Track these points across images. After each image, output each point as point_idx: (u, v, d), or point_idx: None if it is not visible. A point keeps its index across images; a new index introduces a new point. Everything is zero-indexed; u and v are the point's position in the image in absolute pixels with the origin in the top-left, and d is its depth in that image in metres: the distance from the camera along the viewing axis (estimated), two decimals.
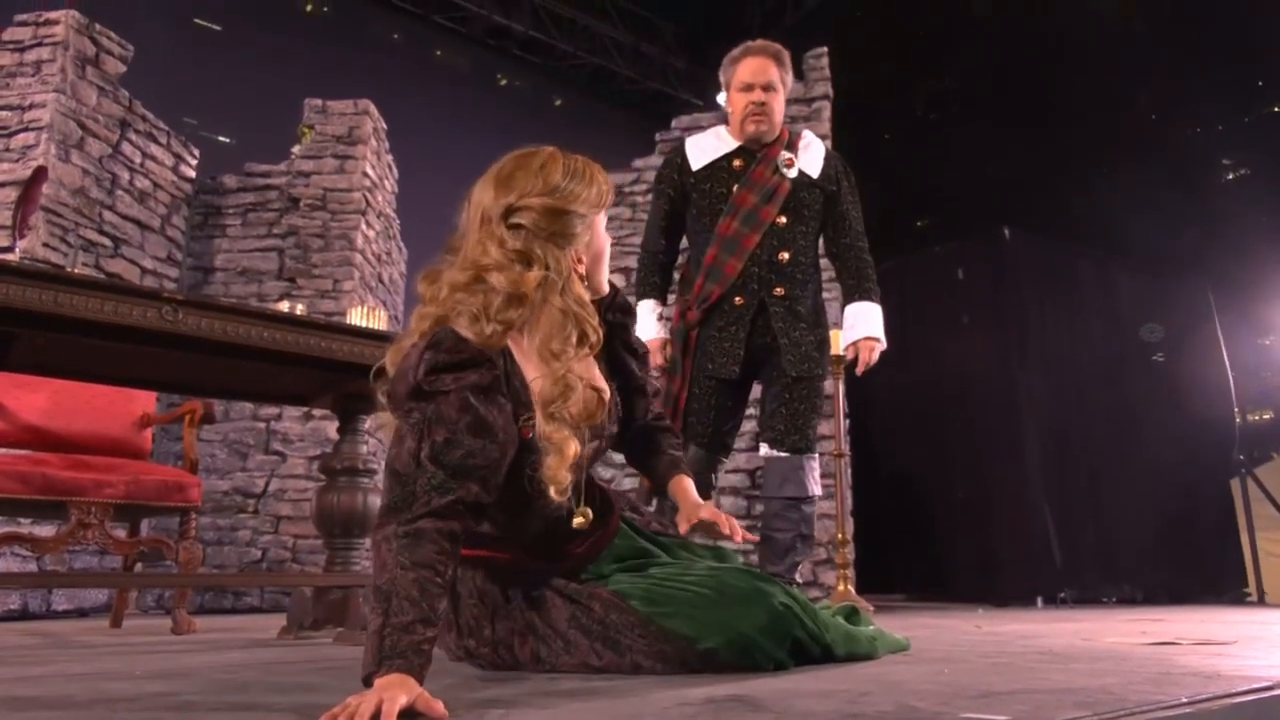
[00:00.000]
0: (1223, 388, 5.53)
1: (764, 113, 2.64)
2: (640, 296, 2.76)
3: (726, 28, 9.45)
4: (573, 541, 1.43)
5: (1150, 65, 8.07)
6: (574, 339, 1.32)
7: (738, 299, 2.58)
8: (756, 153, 2.68)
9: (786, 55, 2.75)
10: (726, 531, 1.51)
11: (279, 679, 1.37)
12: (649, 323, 2.71)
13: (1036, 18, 8.39)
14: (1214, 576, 5.25)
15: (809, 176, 2.68)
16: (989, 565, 4.82)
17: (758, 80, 2.65)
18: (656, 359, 2.66)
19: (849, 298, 2.76)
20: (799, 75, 4.88)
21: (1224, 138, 8.53)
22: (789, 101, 4.80)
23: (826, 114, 4.78)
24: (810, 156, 2.71)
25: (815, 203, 2.69)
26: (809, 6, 8.70)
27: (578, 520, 1.38)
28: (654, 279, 2.77)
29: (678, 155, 2.77)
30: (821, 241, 2.81)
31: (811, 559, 4.27)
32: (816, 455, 2.63)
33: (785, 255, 2.59)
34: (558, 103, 9.77)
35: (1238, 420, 5.54)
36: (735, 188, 2.63)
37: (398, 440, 1.19)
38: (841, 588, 3.55)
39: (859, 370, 2.73)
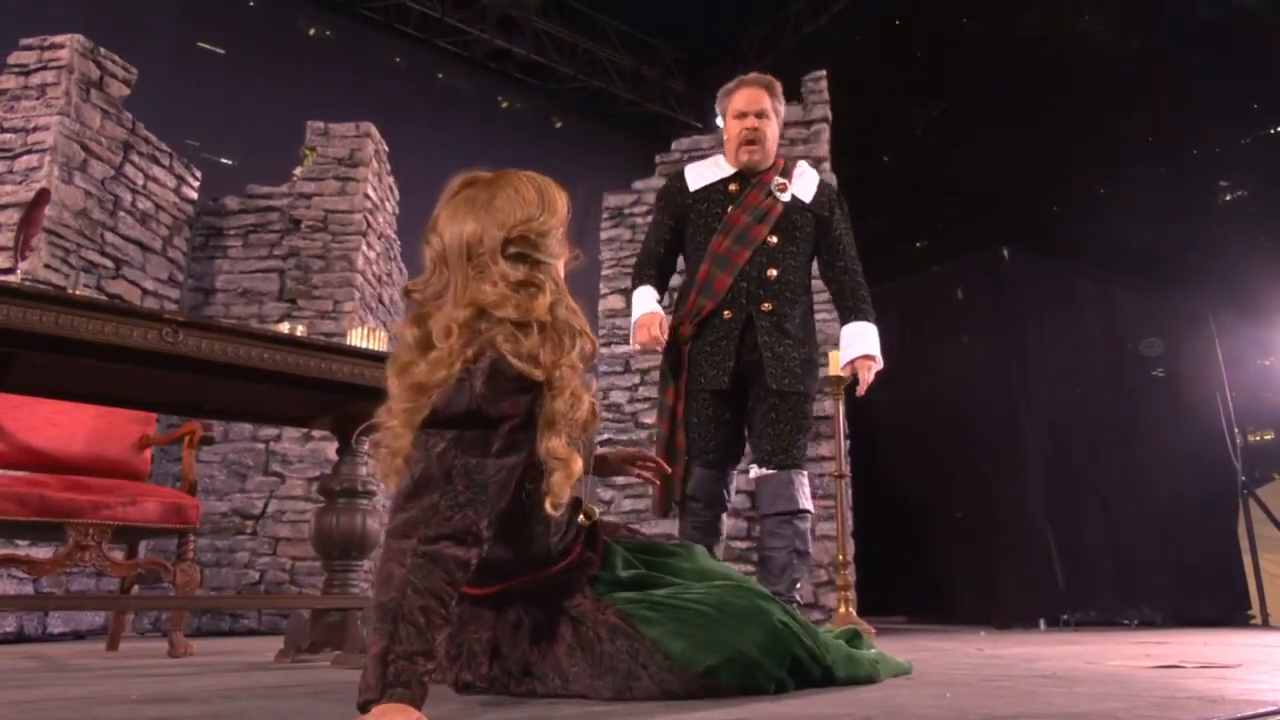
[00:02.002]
0: (1224, 406, 5.52)
1: (757, 139, 2.74)
2: (636, 285, 2.82)
3: (726, 51, 9.53)
4: (578, 545, 1.43)
5: (1148, 87, 8.13)
6: (577, 352, 1.33)
7: (726, 313, 2.64)
8: (751, 178, 2.77)
9: (778, 86, 2.85)
10: (655, 463, 1.77)
11: (276, 703, 1.36)
12: (646, 301, 2.76)
13: (1034, 40, 8.46)
14: (1218, 598, 5.22)
15: (802, 201, 2.76)
16: (991, 587, 4.79)
17: (751, 108, 2.76)
18: (652, 331, 2.67)
19: (845, 319, 2.81)
20: (798, 98, 4.91)
21: (1221, 159, 8.58)
22: (788, 124, 4.86)
23: (825, 136, 4.81)
24: (804, 183, 2.80)
25: (807, 225, 2.76)
26: (807, 30, 8.77)
27: (581, 519, 1.40)
28: (650, 271, 2.83)
29: (678, 179, 2.88)
30: (817, 266, 2.87)
31: (813, 581, 4.24)
32: (805, 471, 2.65)
33: (773, 272, 2.66)
34: (558, 125, 9.81)
35: (1240, 441, 5.52)
36: (730, 208, 2.72)
37: (424, 453, 1.18)
38: (843, 610, 3.53)
39: (860, 390, 2.76)
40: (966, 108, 9.18)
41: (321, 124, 5.15)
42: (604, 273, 5.06)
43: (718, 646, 1.32)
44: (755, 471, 2.66)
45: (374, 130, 5.21)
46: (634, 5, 9.22)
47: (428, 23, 8.45)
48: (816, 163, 4.77)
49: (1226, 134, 8.40)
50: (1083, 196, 8.58)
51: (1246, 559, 5.34)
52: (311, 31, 8.21)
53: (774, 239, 2.68)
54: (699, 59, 9.88)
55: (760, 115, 2.75)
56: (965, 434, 5.05)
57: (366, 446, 2.53)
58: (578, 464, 1.28)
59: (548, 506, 1.28)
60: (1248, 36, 7.71)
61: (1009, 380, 4.86)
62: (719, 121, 2.96)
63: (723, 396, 2.63)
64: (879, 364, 2.75)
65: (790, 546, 2.54)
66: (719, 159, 2.87)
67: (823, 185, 2.84)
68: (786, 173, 2.79)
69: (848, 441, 4.26)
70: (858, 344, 2.74)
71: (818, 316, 2.94)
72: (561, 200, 1.42)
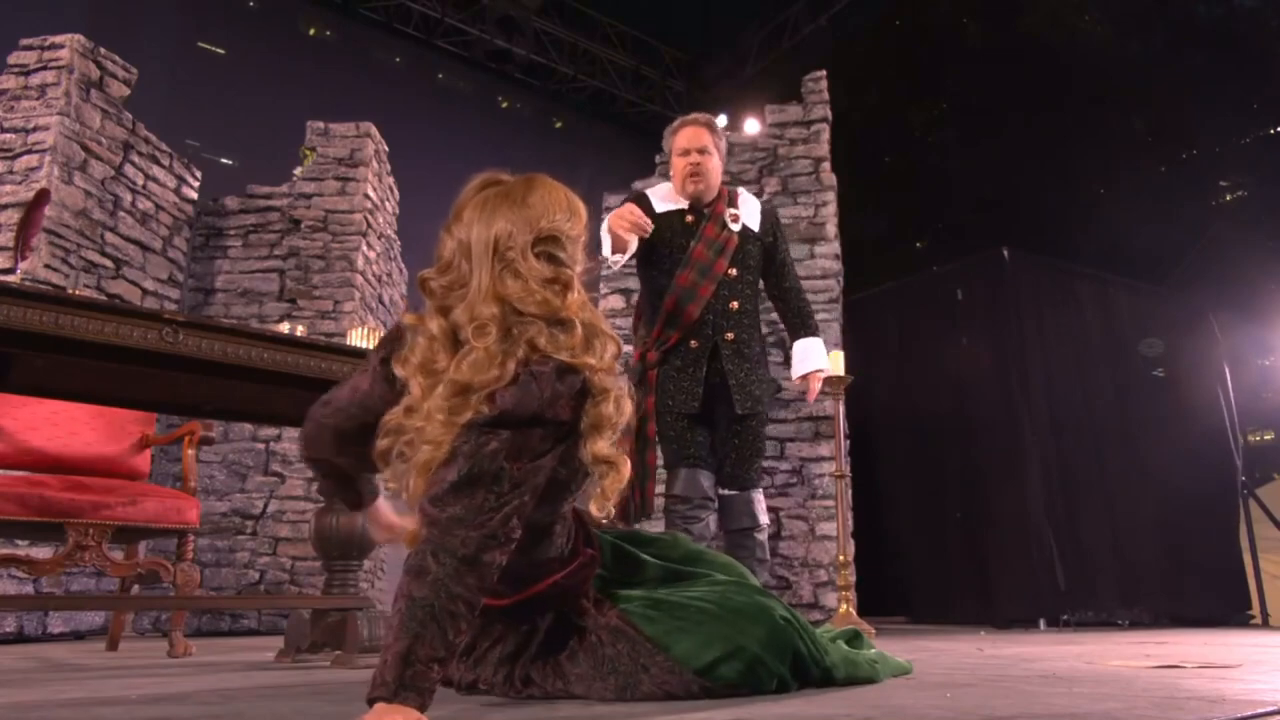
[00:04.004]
0: (1224, 407, 5.52)
1: (700, 173, 2.94)
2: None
3: (725, 52, 9.54)
4: (579, 543, 1.43)
5: (1148, 87, 8.13)
6: (609, 355, 1.32)
7: (694, 342, 2.85)
8: (704, 210, 2.97)
9: (718, 124, 3.11)
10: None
11: (276, 703, 1.36)
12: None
13: (1034, 40, 8.45)
14: (1218, 598, 5.22)
15: (751, 230, 2.99)
16: (991, 587, 4.79)
17: (693, 145, 2.97)
18: (628, 213, 2.74)
19: (795, 334, 3.09)
20: (797, 98, 4.91)
21: (1221, 159, 8.57)
22: (789, 124, 4.87)
23: (825, 136, 4.81)
24: (749, 211, 3.02)
25: (756, 253, 3.00)
26: (807, 30, 8.77)
27: (596, 510, 1.36)
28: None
29: (643, 199, 3.05)
30: (763, 286, 3.12)
31: (813, 581, 4.25)
32: (761, 489, 2.94)
33: (735, 304, 2.89)
34: (558, 125, 9.82)
35: (1240, 441, 5.52)
36: (690, 243, 2.91)
37: (475, 449, 1.17)
38: (843, 609, 3.53)
39: (810, 398, 3.10)
40: (966, 108, 9.19)
41: (321, 124, 5.15)
42: (604, 272, 5.06)
43: (720, 641, 1.32)
44: (719, 492, 2.90)
45: (374, 130, 5.20)
46: (634, 6, 9.23)
47: (428, 23, 8.45)
48: (816, 163, 4.77)
49: (1226, 134, 8.40)
50: (1083, 196, 8.58)
51: (1246, 559, 5.33)
52: (311, 31, 8.22)
53: (733, 271, 2.91)
54: (699, 59, 9.89)
55: (702, 151, 2.95)
56: (965, 434, 5.04)
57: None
58: (627, 466, 1.29)
59: (593, 508, 1.28)
60: (1248, 36, 7.71)
61: (1009, 380, 4.85)
62: (666, 153, 3.13)
63: (691, 416, 2.85)
64: (828, 372, 3.09)
65: (752, 555, 2.83)
66: (668, 188, 3.07)
67: (764, 212, 3.07)
68: (733, 202, 3.01)
69: (848, 441, 4.26)
70: (809, 359, 3.05)
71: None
72: (584, 211, 1.43)
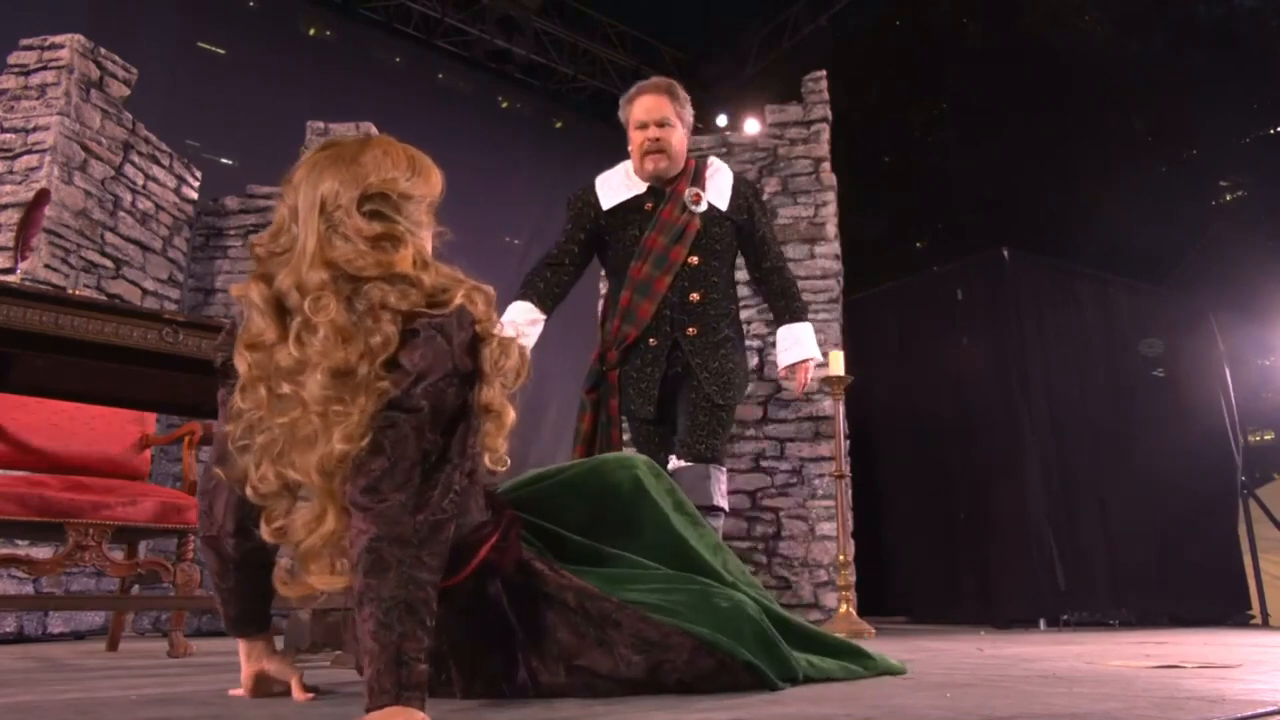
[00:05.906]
0: (1224, 407, 5.52)
1: (661, 148, 2.63)
2: (517, 296, 2.66)
3: (725, 52, 9.53)
4: (498, 510, 1.41)
5: (1148, 87, 8.13)
6: (480, 301, 1.25)
7: (652, 340, 2.60)
8: (665, 190, 2.67)
9: (680, 89, 2.74)
10: None
11: (276, 704, 1.36)
12: (512, 315, 2.58)
13: (1034, 40, 8.46)
14: (1217, 598, 5.22)
15: (718, 210, 2.66)
16: (991, 587, 4.79)
17: (651, 117, 2.65)
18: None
19: (780, 319, 2.77)
20: (797, 98, 4.91)
21: (1221, 159, 8.57)
22: (788, 124, 4.87)
23: (825, 136, 4.81)
24: (718, 186, 2.70)
25: (726, 235, 2.68)
26: (807, 30, 8.76)
27: (500, 468, 1.32)
28: (539, 282, 2.68)
29: (590, 194, 2.75)
30: (743, 262, 2.82)
31: (813, 581, 4.24)
32: (724, 469, 2.57)
33: (696, 296, 2.59)
34: (558, 125, 9.81)
35: (1240, 441, 5.52)
36: (645, 230, 2.62)
37: (398, 430, 1.12)
38: (843, 609, 3.54)
39: (798, 390, 2.76)
40: (966, 108, 9.18)
41: (321, 124, 5.15)
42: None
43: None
44: (673, 463, 2.55)
45: (374, 130, 5.19)
46: (634, 6, 9.22)
47: (428, 23, 8.45)
48: (816, 163, 4.77)
49: (1226, 134, 8.40)
50: (1083, 196, 8.58)
51: (1246, 559, 5.34)
52: (311, 31, 8.20)
53: (694, 259, 2.60)
54: (699, 59, 9.88)
55: (661, 124, 2.64)
56: (965, 434, 5.04)
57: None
58: (510, 415, 1.24)
59: (487, 462, 1.24)
60: (1248, 36, 7.71)
61: (1009, 380, 4.85)
62: (622, 125, 2.80)
63: (654, 422, 2.64)
64: (819, 361, 2.76)
65: None
66: (628, 168, 2.75)
67: (737, 185, 2.74)
68: (699, 177, 2.70)
69: (847, 441, 4.26)
70: (797, 347, 2.72)
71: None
72: (436, 175, 1.34)
